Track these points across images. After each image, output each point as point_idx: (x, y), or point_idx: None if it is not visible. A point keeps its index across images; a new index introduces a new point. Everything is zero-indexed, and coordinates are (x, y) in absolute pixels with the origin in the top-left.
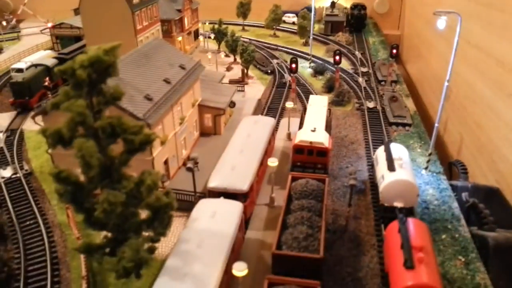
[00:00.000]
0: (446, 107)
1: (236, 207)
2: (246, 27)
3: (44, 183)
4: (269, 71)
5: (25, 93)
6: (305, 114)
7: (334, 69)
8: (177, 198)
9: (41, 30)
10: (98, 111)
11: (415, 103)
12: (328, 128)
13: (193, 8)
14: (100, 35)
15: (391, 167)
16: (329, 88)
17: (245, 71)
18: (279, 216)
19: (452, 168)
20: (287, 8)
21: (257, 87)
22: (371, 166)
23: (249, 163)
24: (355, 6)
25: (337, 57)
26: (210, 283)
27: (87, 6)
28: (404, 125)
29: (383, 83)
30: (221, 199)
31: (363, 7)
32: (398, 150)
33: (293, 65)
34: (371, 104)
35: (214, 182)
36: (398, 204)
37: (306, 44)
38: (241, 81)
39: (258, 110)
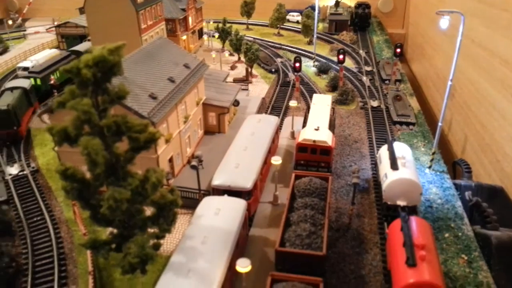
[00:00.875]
0: (450, 106)
1: (240, 204)
2: (250, 26)
3: (50, 180)
4: (273, 70)
5: (13, 122)
6: (308, 113)
7: (338, 68)
8: (181, 196)
9: (46, 29)
10: (103, 109)
11: (420, 102)
12: (331, 127)
13: (198, 7)
14: (105, 34)
15: (394, 165)
16: (333, 87)
17: (249, 69)
18: (283, 213)
19: (456, 168)
20: (292, 7)
21: (261, 86)
22: (375, 165)
23: (253, 161)
24: (359, 5)
25: (341, 56)
26: (214, 279)
27: (92, 5)
28: (408, 124)
29: (387, 82)
30: (225, 196)
31: (367, 6)
32: (401, 149)
33: (297, 64)
34: (375, 103)
35: (218, 180)
36: (401, 203)
37: (310, 43)
38: (245, 80)
39: (262, 108)
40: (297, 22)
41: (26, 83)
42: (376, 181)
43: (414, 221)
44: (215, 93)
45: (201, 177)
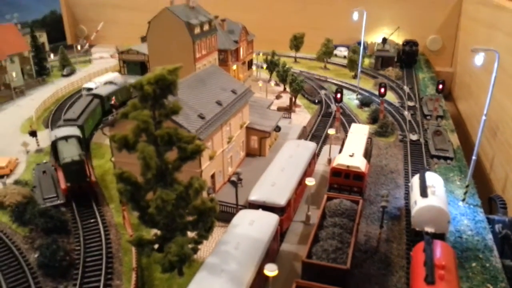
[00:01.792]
0: (492, 145)
1: (272, 218)
2: (298, 59)
3: (104, 189)
4: (317, 101)
5: (85, 173)
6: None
7: (379, 101)
8: (220, 210)
9: (110, 55)
10: (159, 121)
11: (463, 139)
12: (367, 155)
13: (249, 40)
14: (163, 60)
15: (423, 193)
16: (373, 119)
17: (293, 99)
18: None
19: (492, 203)
20: (340, 42)
21: (303, 115)
22: (407, 194)
23: (289, 181)
24: (407, 43)
25: (382, 89)
26: (244, 280)
27: (154, 35)
28: (445, 158)
29: (428, 117)
30: (260, 210)
31: (415, 43)
32: (432, 178)
33: (338, 95)
34: (414, 137)
35: (255, 196)
36: (429, 229)
37: (355, 77)
38: (288, 109)
39: (303, 136)
40: (344, 57)
41: (76, 132)
42: (408, 210)
43: (437, 244)
44: (259, 118)
45: (240, 195)
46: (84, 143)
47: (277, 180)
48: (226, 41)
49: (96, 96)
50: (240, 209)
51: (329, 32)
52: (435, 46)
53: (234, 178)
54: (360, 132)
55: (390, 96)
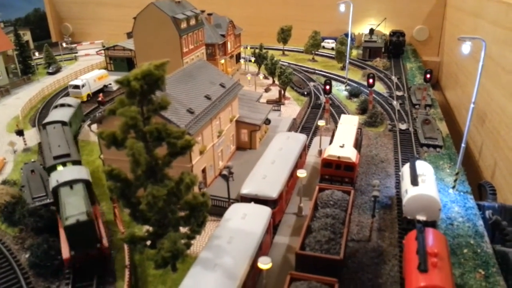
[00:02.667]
0: (481, 132)
1: (265, 211)
2: (286, 52)
3: (94, 187)
4: (306, 92)
5: (96, 237)
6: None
7: (368, 91)
8: (212, 204)
9: (96, 52)
10: (147, 117)
11: (452, 127)
12: (357, 145)
13: (236, 34)
14: (150, 56)
15: (414, 182)
16: (362, 110)
17: (282, 92)
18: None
19: (481, 189)
20: (327, 34)
21: (293, 108)
22: (398, 184)
23: (280, 173)
24: (394, 33)
25: (371, 80)
26: (238, 274)
27: (140, 30)
28: (435, 146)
29: (417, 106)
30: (252, 203)
31: (402, 34)
32: (423, 166)
33: (327, 87)
34: (403, 126)
35: (247, 189)
36: (420, 218)
37: (343, 68)
38: (278, 101)
39: (293, 128)
40: (332, 48)
41: (83, 172)
42: (399, 199)
43: (429, 232)
44: (248, 112)
45: (231, 188)
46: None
47: (268, 173)
48: (213, 35)
49: (59, 122)
50: (232, 203)
51: (317, 25)
52: (422, 36)
53: (225, 172)
54: (350, 123)
55: (379, 87)
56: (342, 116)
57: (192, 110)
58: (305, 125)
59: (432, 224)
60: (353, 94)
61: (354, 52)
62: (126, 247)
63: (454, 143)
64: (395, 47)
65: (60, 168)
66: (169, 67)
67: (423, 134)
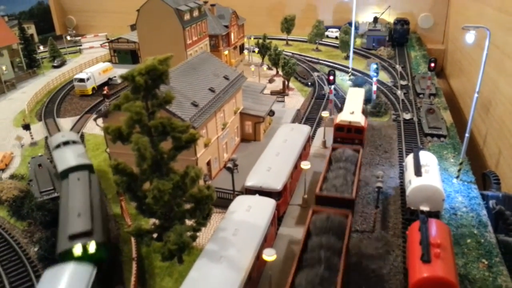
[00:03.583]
0: (485, 121)
1: (269, 203)
2: (289, 42)
3: (101, 180)
4: (310, 83)
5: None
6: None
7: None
8: (217, 196)
9: (101, 44)
10: (152, 112)
11: (457, 116)
12: (364, 113)
13: (240, 24)
14: (154, 48)
15: (418, 172)
16: (367, 99)
17: (286, 83)
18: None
19: (485, 179)
20: (331, 23)
21: (297, 98)
22: (402, 173)
23: (284, 165)
24: (398, 21)
25: (331, 77)
26: (243, 265)
27: (143, 22)
28: (439, 136)
29: (421, 95)
30: (257, 196)
31: (406, 22)
32: (426, 157)
33: (331, 77)
34: (407, 116)
35: (251, 181)
36: (424, 208)
37: (347, 58)
38: (282, 92)
39: (297, 119)
40: (336, 38)
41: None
42: (403, 189)
43: (432, 222)
44: (252, 104)
45: (236, 180)
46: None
47: (272, 164)
48: (217, 26)
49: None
50: (237, 195)
51: (320, 14)
52: (426, 24)
53: (229, 164)
54: (357, 94)
55: (383, 76)
56: (350, 89)
57: (196, 103)
58: (309, 116)
59: (436, 214)
60: (357, 84)
61: (358, 41)
62: (133, 239)
63: (458, 132)
64: (399, 36)
65: (76, 252)
66: (173, 59)
67: (427, 124)
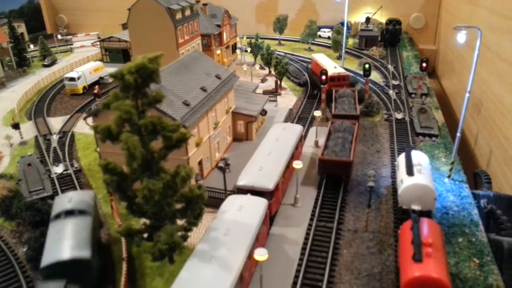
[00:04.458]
0: (476, 120)
1: (261, 203)
2: (282, 42)
3: (91, 179)
4: (302, 82)
5: None
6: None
7: (364, 81)
8: (209, 196)
9: (92, 43)
10: (142, 111)
11: (448, 116)
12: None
13: (232, 24)
14: (146, 47)
15: (410, 171)
16: (359, 99)
17: (279, 82)
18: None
19: (477, 178)
20: (323, 23)
21: (289, 98)
22: (394, 173)
23: (276, 164)
24: (390, 21)
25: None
26: (234, 266)
27: (134, 21)
28: (431, 135)
29: (413, 95)
30: (248, 195)
31: (398, 22)
32: (418, 156)
33: (323, 77)
34: (399, 115)
35: (243, 181)
36: (415, 207)
37: (339, 57)
38: (274, 92)
39: (289, 119)
40: (328, 38)
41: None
42: (395, 189)
43: (424, 222)
44: (244, 103)
45: (228, 180)
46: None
47: (264, 164)
48: (209, 25)
49: None
50: (229, 194)
51: (313, 14)
52: (418, 24)
53: (221, 164)
54: (323, 58)
55: (375, 76)
56: (313, 55)
57: (187, 102)
58: (301, 116)
59: (427, 213)
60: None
61: (351, 41)
62: (123, 239)
63: (450, 132)
64: (391, 36)
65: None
66: (164, 59)
67: (419, 123)
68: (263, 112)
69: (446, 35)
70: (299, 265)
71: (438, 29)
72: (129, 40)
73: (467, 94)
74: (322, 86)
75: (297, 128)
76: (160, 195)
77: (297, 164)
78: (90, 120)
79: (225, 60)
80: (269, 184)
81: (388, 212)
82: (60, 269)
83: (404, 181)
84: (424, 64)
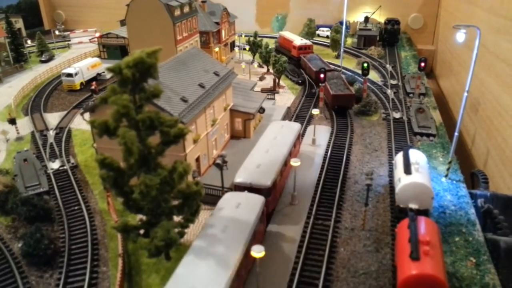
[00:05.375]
0: (474, 120)
1: (258, 200)
2: None
3: (88, 175)
4: (300, 81)
5: None
6: None
7: (362, 80)
8: (206, 193)
9: (90, 39)
10: (139, 106)
11: (446, 116)
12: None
13: (231, 21)
14: (144, 44)
15: (407, 170)
16: (357, 98)
17: (277, 80)
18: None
19: (474, 178)
20: (322, 22)
21: (287, 96)
22: (392, 172)
23: (274, 162)
24: (388, 21)
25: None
26: (231, 262)
27: (133, 18)
28: (428, 135)
29: (411, 95)
30: (246, 192)
31: (396, 22)
32: (416, 155)
33: (321, 76)
34: (397, 115)
35: (240, 178)
36: (413, 206)
37: (338, 56)
38: (272, 90)
39: (287, 117)
40: (327, 37)
41: None
42: (392, 187)
43: (421, 220)
44: (242, 101)
45: (225, 177)
46: None
47: (262, 161)
48: (208, 23)
49: None
50: (226, 191)
51: (312, 13)
52: (417, 24)
53: (219, 161)
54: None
55: (373, 75)
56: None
57: (185, 99)
58: (299, 114)
59: (425, 212)
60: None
61: (349, 40)
62: (119, 235)
63: (448, 131)
64: (389, 36)
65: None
66: (162, 55)
67: (416, 123)
68: (261, 110)
69: (444, 36)
70: (296, 262)
71: (437, 30)
72: (127, 37)
73: (465, 94)
74: (320, 84)
75: (295, 126)
76: (157, 191)
77: (295, 162)
78: (87, 115)
79: (223, 58)
80: (267, 181)
81: (385, 211)
82: None
83: (402, 180)
84: (423, 64)
